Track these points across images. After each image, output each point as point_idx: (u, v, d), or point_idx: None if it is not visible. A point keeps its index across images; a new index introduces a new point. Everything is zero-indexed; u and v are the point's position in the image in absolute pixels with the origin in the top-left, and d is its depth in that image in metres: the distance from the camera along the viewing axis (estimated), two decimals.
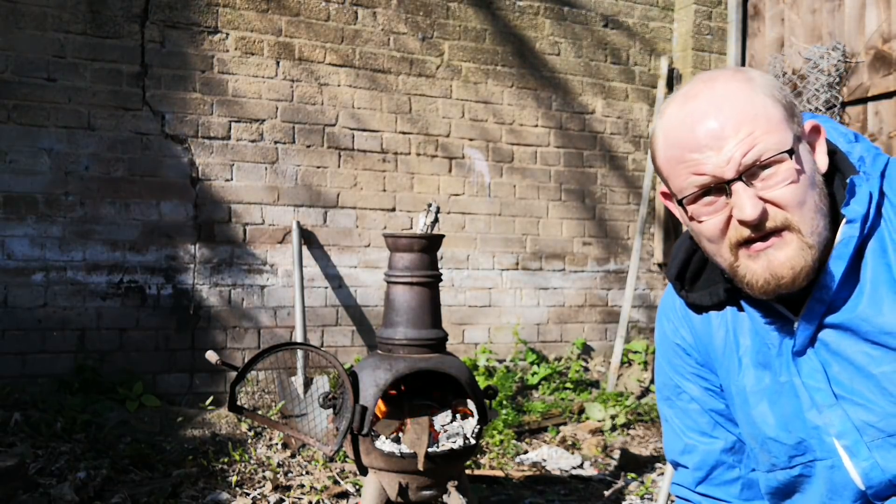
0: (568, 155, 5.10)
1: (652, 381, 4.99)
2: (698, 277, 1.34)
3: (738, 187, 1.13)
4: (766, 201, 1.13)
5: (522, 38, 4.99)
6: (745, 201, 1.12)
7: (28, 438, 3.42)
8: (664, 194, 1.29)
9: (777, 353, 1.24)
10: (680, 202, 1.19)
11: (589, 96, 5.16)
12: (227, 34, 4.32)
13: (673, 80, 5.31)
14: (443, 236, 2.86)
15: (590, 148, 5.17)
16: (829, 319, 1.19)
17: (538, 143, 5.02)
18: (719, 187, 1.14)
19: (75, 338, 4.03)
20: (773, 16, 5.15)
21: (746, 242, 1.15)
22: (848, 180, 1.18)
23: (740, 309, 1.29)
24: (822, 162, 1.18)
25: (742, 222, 1.13)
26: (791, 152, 1.12)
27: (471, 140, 4.85)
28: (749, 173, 1.12)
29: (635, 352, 5.10)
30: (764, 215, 1.12)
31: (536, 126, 5.02)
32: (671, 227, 5.29)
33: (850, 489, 1.20)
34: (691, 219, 1.20)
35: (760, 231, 1.13)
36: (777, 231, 1.13)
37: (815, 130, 1.19)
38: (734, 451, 1.39)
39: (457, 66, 4.82)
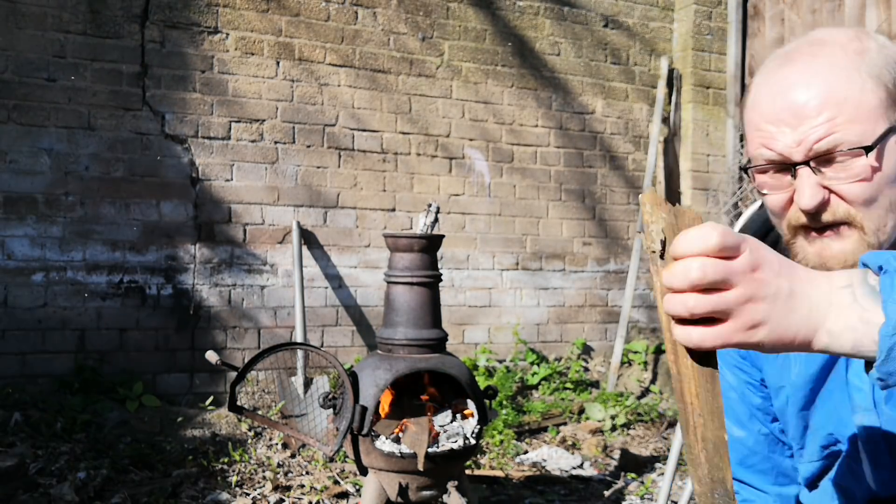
0: (568, 155, 5.10)
1: (652, 381, 5.00)
2: None
3: (803, 172, 1.06)
4: (832, 191, 1.06)
5: (522, 38, 4.99)
6: (805, 189, 1.06)
7: (28, 438, 3.42)
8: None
9: None
10: (746, 169, 1.14)
11: (589, 96, 5.16)
12: (227, 34, 4.32)
13: (673, 80, 5.31)
14: (443, 236, 2.86)
15: (590, 148, 5.17)
16: None
17: (538, 143, 5.02)
18: (786, 167, 1.08)
19: (75, 338, 4.03)
20: (773, 16, 5.15)
21: (803, 227, 1.09)
22: None
23: None
24: None
25: (800, 208, 1.07)
26: (870, 148, 1.03)
27: (471, 140, 4.85)
28: (820, 160, 1.05)
29: (635, 352, 5.10)
30: (823, 206, 1.06)
31: (536, 126, 5.02)
32: None
33: (863, 488, 1.21)
34: (758, 187, 1.14)
35: (817, 222, 1.07)
36: (836, 224, 1.07)
37: None
38: (769, 443, 1.36)
39: (457, 66, 4.82)
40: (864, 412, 1.16)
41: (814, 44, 1.08)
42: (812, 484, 1.32)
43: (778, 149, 1.07)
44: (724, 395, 1.37)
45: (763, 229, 1.27)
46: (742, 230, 1.28)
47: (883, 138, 1.04)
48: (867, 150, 1.03)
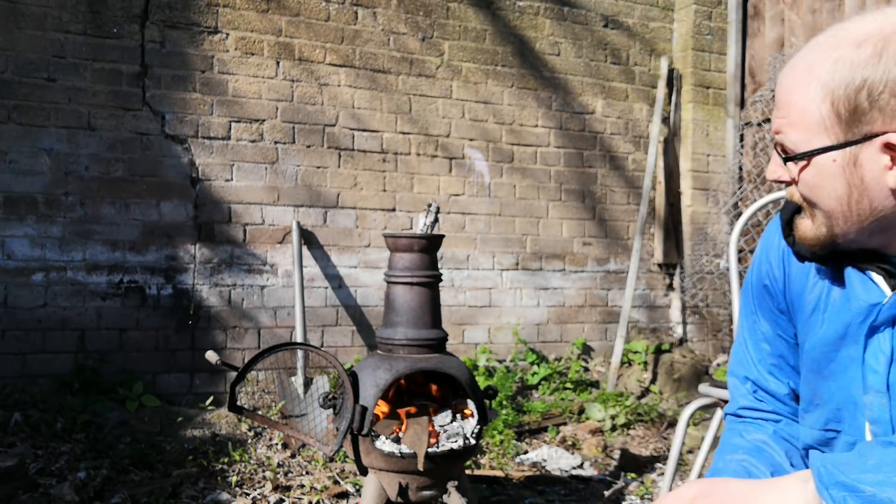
0: (568, 155, 5.10)
1: (652, 381, 5.00)
2: None
3: (775, 150, 1.17)
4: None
5: (522, 38, 4.99)
6: (770, 164, 1.18)
7: (28, 438, 3.42)
8: None
9: (859, 322, 1.19)
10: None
11: (589, 96, 5.16)
12: (227, 34, 4.32)
13: (673, 81, 5.31)
14: (443, 236, 2.86)
15: (590, 148, 5.17)
16: None
17: (538, 143, 5.02)
18: None
19: (75, 338, 4.03)
20: (773, 16, 5.15)
21: None
22: None
23: (841, 274, 1.24)
24: (894, 179, 1.08)
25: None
26: (796, 158, 1.12)
27: (471, 140, 4.85)
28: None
29: (635, 352, 5.10)
30: (783, 182, 1.18)
31: (536, 126, 5.02)
32: (671, 228, 5.29)
33: None
34: None
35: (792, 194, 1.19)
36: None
37: (890, 148, 1.08)
38: (790, 398, 1.41)
39: (457, 66, 4.82)
40: (877, 394, 1.17)
41: (829, 34, 1.10)
42: (809, 453, 1.33)
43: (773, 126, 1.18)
44: (757, 342, 1.43)
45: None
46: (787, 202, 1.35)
47: (815, 153, 1.10)
48: (791, 158, 1.12)
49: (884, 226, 1.13)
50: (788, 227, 1.28)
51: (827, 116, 1.08)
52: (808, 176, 1.13)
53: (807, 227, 1.19)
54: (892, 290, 1.17)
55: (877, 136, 1.06)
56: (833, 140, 1.08)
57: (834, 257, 1.22)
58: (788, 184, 1.17)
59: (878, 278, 1.17)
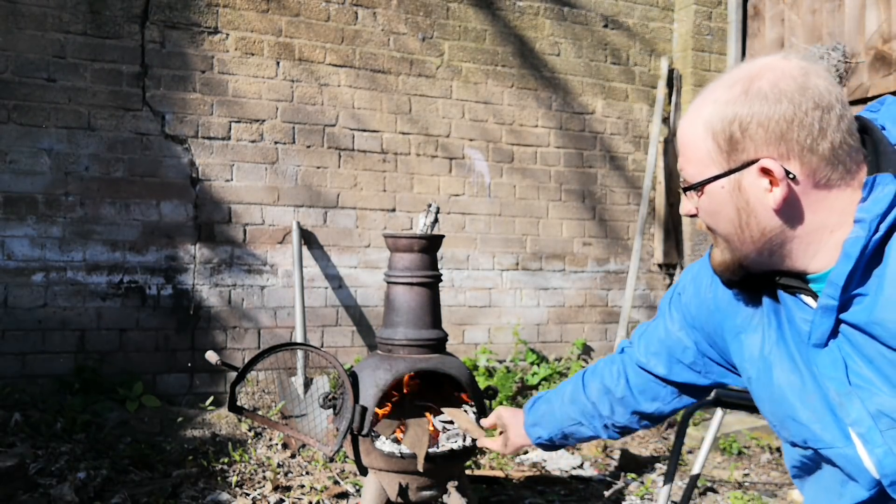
0: (568, 155, 5.10)
1: None
2: None
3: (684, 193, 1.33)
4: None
5: (523, 38, 4.99)
6: (682, 201, 1.34)
7: (28, 438, 3.42)
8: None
9: (805, 341, 1.27)
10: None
11: (589, 96, 5.16)
12: (228, 34, 4.32)
13: (673, 81, 5.31)
14: (443, 236, 2.86)
15: (590, 148, 5.17)
16: (847, 317, 1.20)
17: (538, 143, 5.02)
18: None
19: (75, 338, 4.03)
20: (773, 16, 5.15)
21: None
22: (869, 178, 1.18)
23: (775, 296, 1.34)
24: (773, 200, 1.21)
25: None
26: (692, 188, 1.28)
27: (471, 140, 4.85)
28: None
29: None
30: (693, 216, 1.33)
31: (537, 126, 5.02)
32: (671, 228, 5.29)
33: (864, 477, 1.22)
34: None
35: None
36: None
37: (765, 172, 1.21)
38: (673, 386, 1.68)
39: (457, 66, 4.82)
40: (844, 396, 1.22)
41: (713, 82, 1.28)
42: (806, 472, 1.38)
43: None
44: (667, 329, 1.62)
45: None
46: None
47: (706, 182, 1.25)
48: (688, 188, 1.28)
49: (774, 246, 1.23)
50: None
51: (711, 149, 1.23)
52: (704, 204, 1.28)
53: (715, 254, 1.34)
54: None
55: (753, 162, 1.20)
56: (719, 170, 1.24)
57: (762, 281, 1.33)
58: (695, 216, 1.32)
59: (808, 299, 1.26)
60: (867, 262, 1.16)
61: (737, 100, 1.20)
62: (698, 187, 1.26)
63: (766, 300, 1.35)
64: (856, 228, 1.17)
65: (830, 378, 1.23)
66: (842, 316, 1.20)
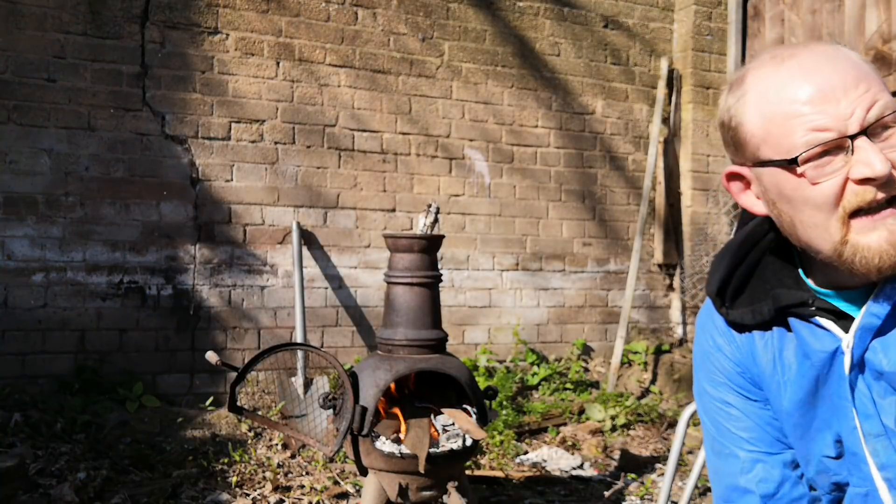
0: (568, 155, 5.10)
1: (652, 382, 4.99)
2: (740, 293, 1.23)
3: (862, 143, 1.01)
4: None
5: (523, 38, 4.99)
6: (872, 156, 1.00)
7: (28, 439, 3.42)
8: (731, 175, 1.16)
9: (826, 374, 1.16)
10: (794, 160, 1.04)
11: (589, 97, 5.16)
12: (228, 35, 4.32)
13: (673, 81, 5.31)
14: (443, 237, 2.86)
15: (590, 148, 5.17)
16: (871, 357, 1.10)
17: (538, 143, 5.02)
18: (839, 145, 1.02)
19: (75, 338, 4.03)
20: (773, 16, 5.15)
21: (867, 211, 1.02)
22: None
23: (788, 329, 1.20)
24: None
25: (867, 181, 1.01)
26: None
27: (471, 140, 4.85)
28: (871, 131, 1.01)
29: (635, 352, 5.10)
30: (892, 176, 1.01)
31: (537, 126, 5.02)
32: (671, 228, 5.29)
33: None
34: (799, 182, 1.06)
35: (887, 190, 1.01)
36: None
37: None
38: (796, 466, 1.28)
39: (457, 66, 4.82)
40: (875, 439, 1.13)
41: (796, 46, 1.09)
42: None
43: (832, 125, 1.02)
44: (736, 427, 1.30)
45: (727, 270, 1.24)
46: (711, 272, 1.26)
47: None
48: None
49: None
50: (720, 300, 1.24)
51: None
52: None
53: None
54: (845, 330, 1.12)
55: None
56: None
57: (774, 315, 1.18)
58: (885, 180, 1.01)
59: (828, 323, 1.13)
60: None
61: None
62: None
63: (771, 332, 1.23)
64: None
65: (865, 416, 1.13)
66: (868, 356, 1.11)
